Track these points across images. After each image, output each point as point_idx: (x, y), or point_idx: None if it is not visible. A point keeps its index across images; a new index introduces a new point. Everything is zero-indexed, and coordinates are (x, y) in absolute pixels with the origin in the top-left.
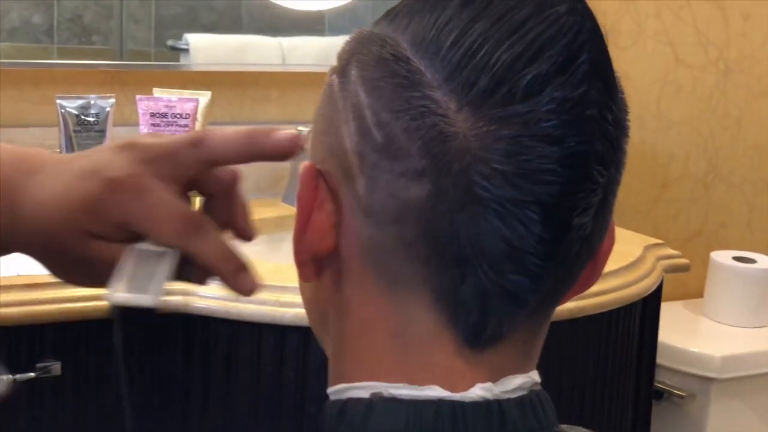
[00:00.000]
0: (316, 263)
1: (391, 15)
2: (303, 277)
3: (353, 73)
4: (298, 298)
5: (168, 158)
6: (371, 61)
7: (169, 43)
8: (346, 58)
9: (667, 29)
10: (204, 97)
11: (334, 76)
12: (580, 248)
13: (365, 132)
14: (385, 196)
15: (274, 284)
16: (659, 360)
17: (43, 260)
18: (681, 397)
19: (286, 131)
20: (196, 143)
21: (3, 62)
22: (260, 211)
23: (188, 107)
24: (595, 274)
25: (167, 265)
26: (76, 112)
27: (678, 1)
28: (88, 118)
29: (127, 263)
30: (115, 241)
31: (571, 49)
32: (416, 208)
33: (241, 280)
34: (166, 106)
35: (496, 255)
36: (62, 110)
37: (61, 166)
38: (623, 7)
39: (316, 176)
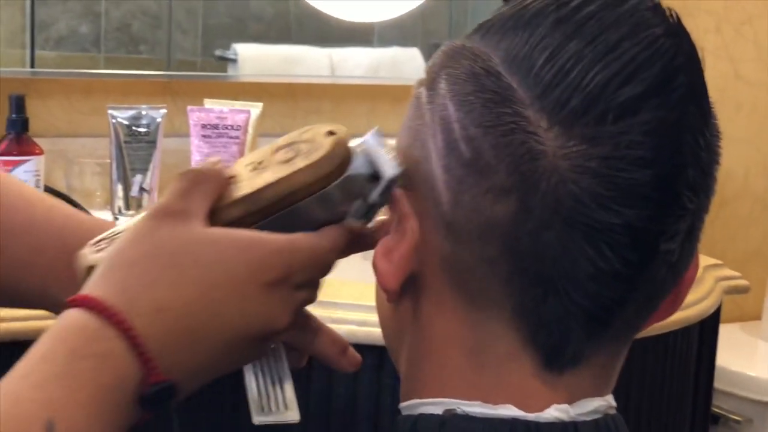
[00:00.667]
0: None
1: (483, 29)
2: (388, 297)
3: (443, 86)
4: (366, 315)
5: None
6: (462, 75)
7: (217, 53)
8: (436, 71)
9: (727, 45)
10: (255, 109)
11: (422, 89)
12: (665, 274)
13: (452, 146)
14: (469, 212)
15: (326, 300)
16: (716, 384)
17: None
18: (738, 422)
19: (377, 220)
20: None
21: (55, 72)
22: None
23: (240, 119)
24: (678, 301)
25: (285, 367)
26: (127, 123)
27: (739, 17)
28: (139, 129)
29: (251, 381)
30: None
31: (667, 72)
32: (501, 226)
33: (346, 360)
34: (218, 118)
35: (580, 276)
36: (113, 120)
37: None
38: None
39: (400, 196)
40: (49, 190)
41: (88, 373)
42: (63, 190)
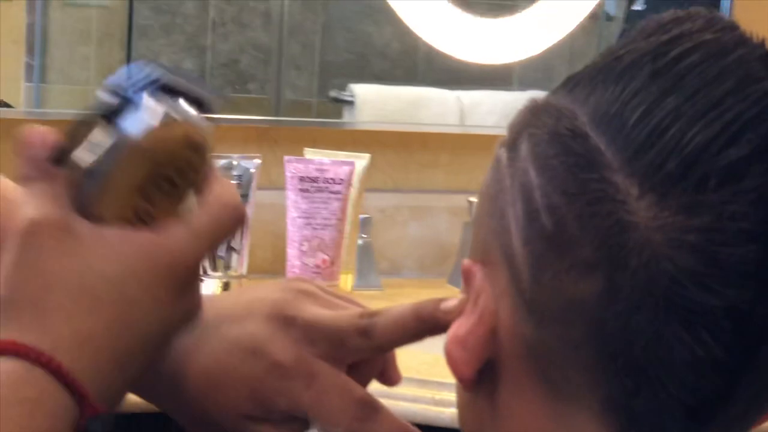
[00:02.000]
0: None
1: (571, 83)
2: (464, 385)
3: (524, 147)
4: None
5: (334, 343)
6: (545, 136)
7: (332, 94)
8: (518, 130)
9: None
10: (362, 160)
11: (503, 150)
12: None
13: (533, 216)
14: (551, 290)
15: (431, 379)
16: None
17: (181, 420)
18: None
19: (452, 300)
20: (366, 333)
21: None
22: (423, 294)
23: (343, 171)
24: None
25: None
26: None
27: None
28: (230, 180)
29: None
30: (279, 423)
31: None
32: (586, 306)
33: None
34: (318, 170)
35: (676, 365)
36: None
37: (210, 330)
38: None
39: (476, 272)
40: None
41: (20, 419)
42: None
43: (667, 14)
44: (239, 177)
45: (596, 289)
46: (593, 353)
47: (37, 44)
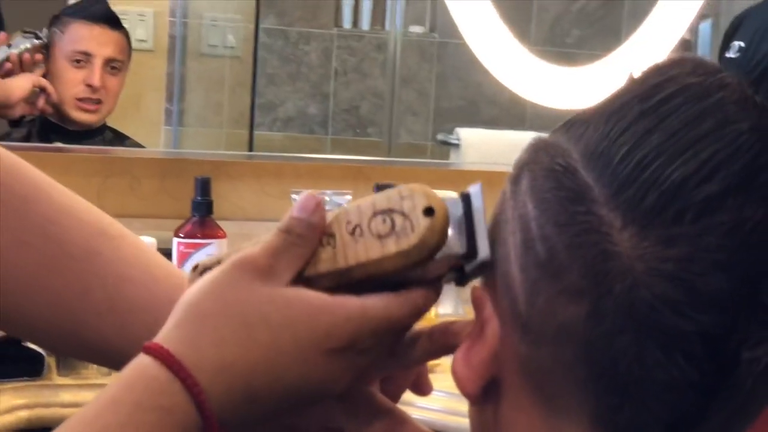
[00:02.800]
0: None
1: (569, 123)
2: (470, 400)
3: (524, 182)
4: None
5: (372, 367)
6: (542, 172)
7: (440, 137)
8: (520, 166)
9: None
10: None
11: (508, 184)
12: (754, 383)
13: (529, 245)
14: (544, 314)
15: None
16: None
17: None
18: None
19: (461, 322)
20: (391, 352)
21: (243, 154)
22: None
23: None
24: None
25: None
26: (318, 195)
27: None
28: None
29: None
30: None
31: (748, 170)
32: (575, 329)
33: None
34: None
35: (656, 384)
36: None
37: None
38: None
39: (483, 298)
40: None
41: (151, 425)
42: None
43: (664, 60)
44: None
45: (583, 313)
46: (582, 372)
47: (176, 91)
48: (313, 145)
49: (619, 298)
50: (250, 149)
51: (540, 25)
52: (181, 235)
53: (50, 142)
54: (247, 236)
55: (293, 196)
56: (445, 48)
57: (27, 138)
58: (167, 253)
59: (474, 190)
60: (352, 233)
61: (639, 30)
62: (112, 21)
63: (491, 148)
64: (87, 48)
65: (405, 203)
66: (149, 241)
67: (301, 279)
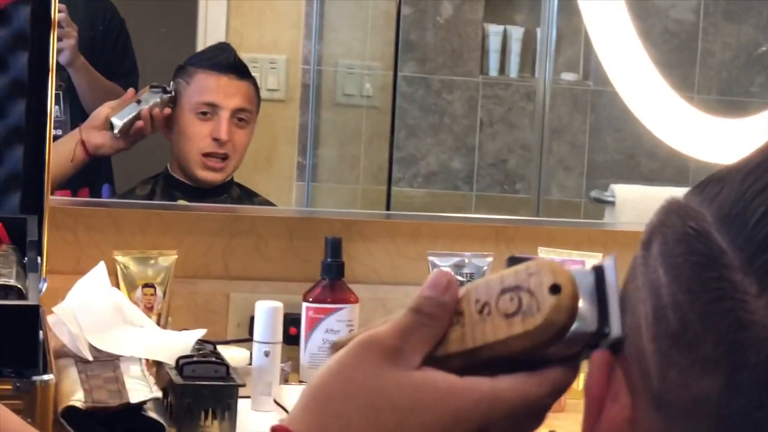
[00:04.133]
0: None
1: (704, 182)
2: None
3: (655, 246)
4: None
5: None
6: (673, 235)
7: (594, 194)
8: (651, 230)
9: None
10: (594, 261)
11: (639, 249)
12: None
13: (661, 314)
14: (677, 386)
15: None
16: None
17: None
18: None
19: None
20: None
21: (378, 213)
22: None
23: None
24: None
25: None
26: (450, 271)
27: None
28: (461, 278)
29: None
30: None
31: None
32: (709, 402)
33: None
34: None
35: None
36: (432, 268)
37: None
38: None
39: (610, 364)
40: None
41: None
42: None
43: None
44: (471, 276)
45: (718, 386)
46: None
47: (309, 144)
48: (457, 202)
49: (756, 371)
50: (388, 207)
51: (705, 71)
52: (310, 300)
53: (174, 199)
54: (380, 301)
55: (430, 258)
56: (599, 96)
57: (151, 195)
58: (296, 319)
59: (608, 263)
60: (481, 311)
61: None
62: (240, 70)
63: (650, 207)
64: (213, 99)
65: (532, 280)
66: (276, 306)
67: (430, 359)
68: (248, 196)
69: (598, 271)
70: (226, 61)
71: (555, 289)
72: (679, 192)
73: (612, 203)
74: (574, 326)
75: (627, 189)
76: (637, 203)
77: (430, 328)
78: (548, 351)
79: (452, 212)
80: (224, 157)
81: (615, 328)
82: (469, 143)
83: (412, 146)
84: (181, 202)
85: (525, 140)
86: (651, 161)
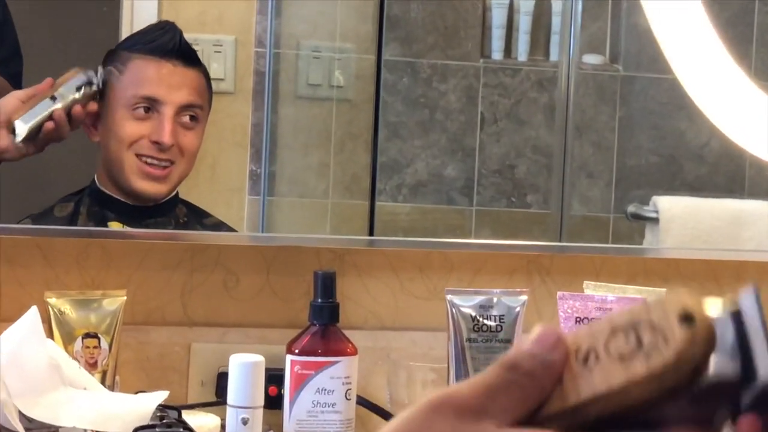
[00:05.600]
0: None
1: None
2: None
3: None
4: None
5: None
6: None
7: (631, 209)
8: None
9: None
10: (655, 296)
11: None
12: None
13: None
14: None
15: None
16: None
17: None
18: None
19: None
20: None
21: (383, 239)
22: None
23: None
24: None
25: None
26: (472, 313)
27: None
28: (488, 322)
29: None
30: None
31: None
32: None
33: None
34: (599, 309)
35: None
36: (452, 309)
37: None
38: None
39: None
40: (363, 402)
41: None
42: (384, 402)
43: None
44: (500, 318)
45: None
46: None
47: (264, 147)
48: (452, 220)
49: None
50: (370, 229)
51: (763, 51)
52: (296, 352)
53: (105, 220)
54: (383, 351)
55: (449, 297)
56: (631, 84)
57: (73, 217)
58: (277, 376)
59: (746, 298)
60: (585, 361)
61: None
62: (187, 55)
63: (703, 224)
64: (154, 92)
65: (653, 313)
66: (257, 360)
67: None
68: (197, 215)
69: (735, 317)
70: (170, 43)
71: (687, 318)
72: (737, 205)
73: (655, 220)
74: (710, 377)
75: (674, 202)
76: (686, 220)
77: (526, 390)
78: (674, 410)
79: (445, 232)
80: (168, 164)
81: (765, 372)
82: (468, 145)
83: (395, 150)
84: (113, 224)
85: (538, 141)
86: (698, 166)
